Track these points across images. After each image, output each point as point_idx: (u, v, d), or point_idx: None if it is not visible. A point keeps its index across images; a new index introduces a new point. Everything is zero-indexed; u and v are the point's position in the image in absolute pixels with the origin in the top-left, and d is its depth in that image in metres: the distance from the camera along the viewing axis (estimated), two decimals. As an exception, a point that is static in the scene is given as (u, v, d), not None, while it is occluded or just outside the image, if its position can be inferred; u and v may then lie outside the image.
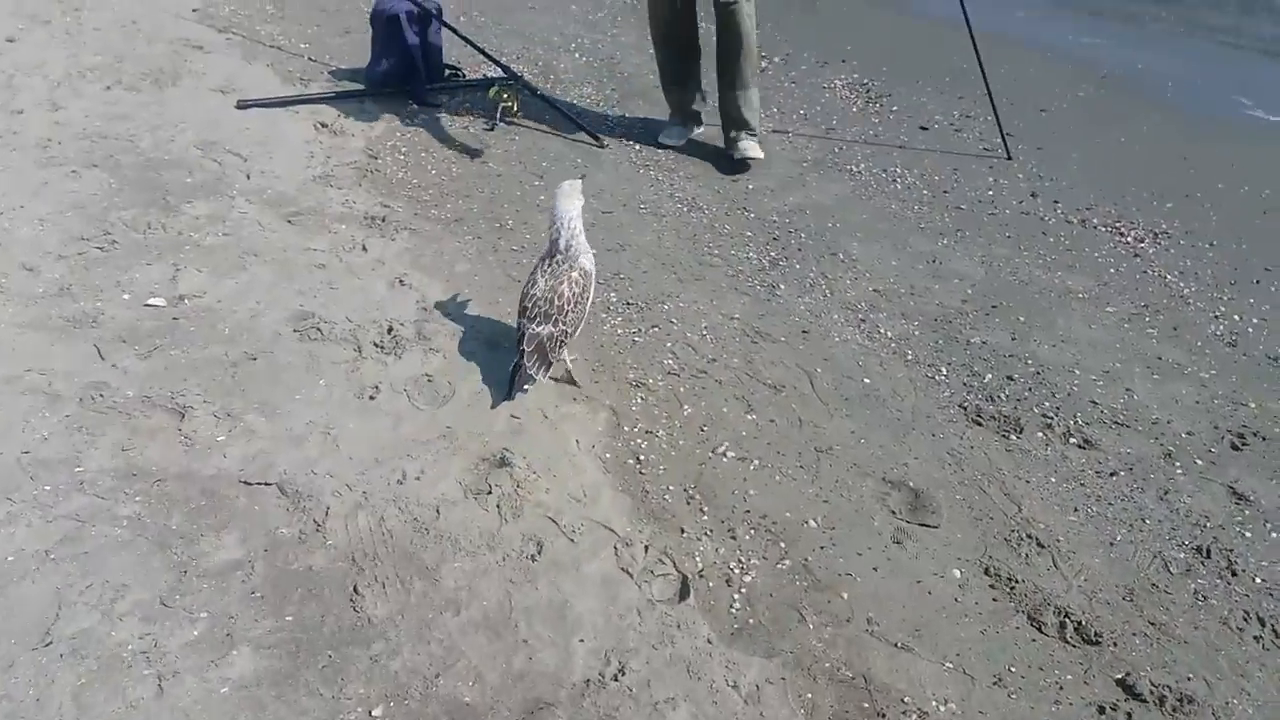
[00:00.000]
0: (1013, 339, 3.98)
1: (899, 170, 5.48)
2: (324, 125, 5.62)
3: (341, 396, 3.38)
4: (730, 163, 5.35)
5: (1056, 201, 5.17)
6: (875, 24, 7.91)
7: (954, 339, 3.97)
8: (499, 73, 5.93)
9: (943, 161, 5.60)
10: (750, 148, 5.29)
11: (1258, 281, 4.46)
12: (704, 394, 3.56)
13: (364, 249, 4.36)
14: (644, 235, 4.69)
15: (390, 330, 3.74)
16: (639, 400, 3.50)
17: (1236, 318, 4.18)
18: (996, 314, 4.15)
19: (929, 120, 6.12)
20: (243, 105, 5.78)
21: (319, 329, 3.71)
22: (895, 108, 6.28)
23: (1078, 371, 3.79)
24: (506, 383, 3.26)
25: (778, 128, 5.87)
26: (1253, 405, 3.63)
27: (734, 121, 5.30)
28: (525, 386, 3.22)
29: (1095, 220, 4.99)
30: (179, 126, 5.41)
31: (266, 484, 2.96)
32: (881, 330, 4.01)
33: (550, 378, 3.39)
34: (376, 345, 3.66)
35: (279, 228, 4.48)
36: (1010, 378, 3.74)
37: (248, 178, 4.95)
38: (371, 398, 3.37)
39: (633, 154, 5.53)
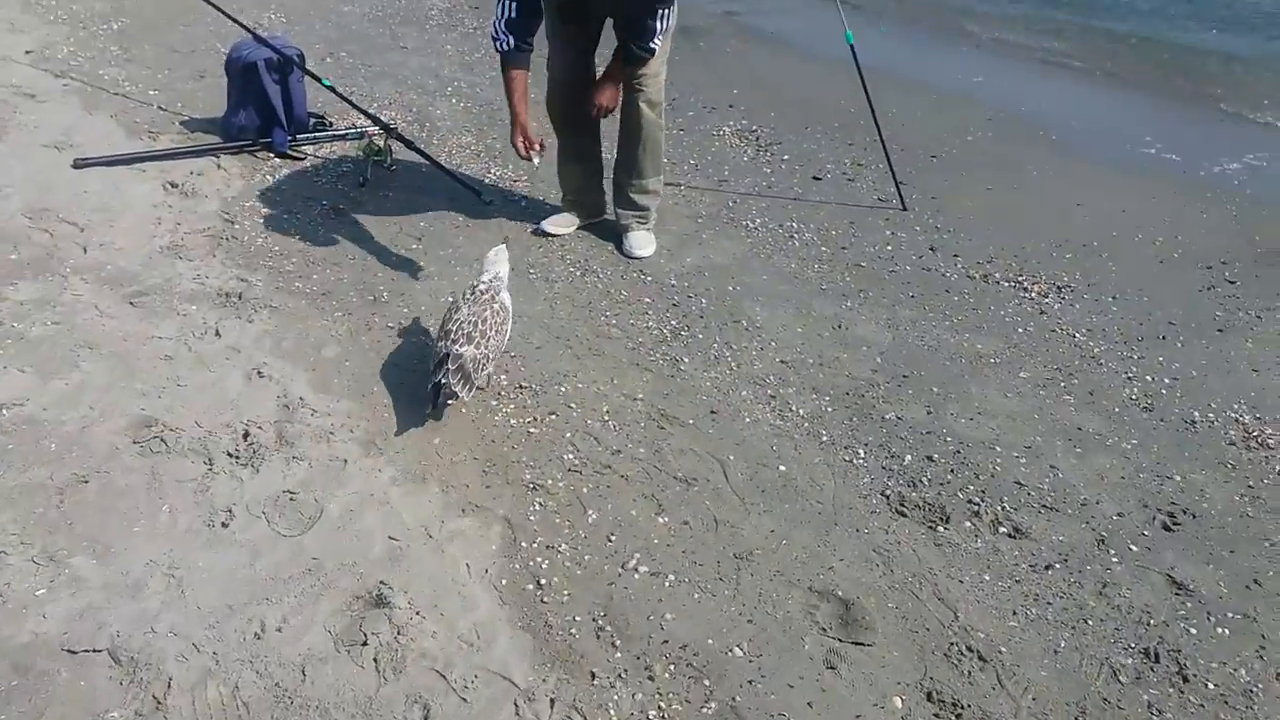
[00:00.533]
0: (928, 413, 3.77)
1: (795, 225, 5.27)
2: (174, 185, 5.10)
3: (189, 525, 2.90)
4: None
5: (956, 255, 5.04)
6: (761, 65, 7.78)
7: (868, 415, 3.74)
8: (369, 123, 5.49)
9: (839, 214, 5.42)
10: (639, 242, 4.88)
11: (1163, 337, 4.38)
12: (610, 494, 3.22)
13: (217, 334, 3.88)
14: (535, 304, 4.33)
15: (246, 435, 3.28)
16: (537, 507, 3.13)
17: (1149, 379, 4.07)
18: (909, 384, 3.94)
19: (821, 169, 5.96)
20: (80, 164, 5.22)
21: (163, 439, 3.22)
22: (786, 156, 6.10)
23: (999, 448, 3.59)
24: (430, 401, 3.29)
25: (670, 180, 5.59)
26: (1178, 478, 3.49)
27: (624, 202, 4.94)
28: (449, 401, 3.28)
29: (997, 274, 4.87)
30: (3, 191, 4.79)
31: (95, 650, 2.48)
32: (793, 408, 3.75)
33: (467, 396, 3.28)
34: (231, 455, 3.19)
35: (119, 312, 3.95)
36: (930, 458, 3.52)
37: (84, 251, 4.40)
38: (225, 524, 2.91)
39: (516, 212, 5.17)
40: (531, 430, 3.51)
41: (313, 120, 5.85)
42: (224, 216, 4.81)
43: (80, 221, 4.62)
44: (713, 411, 3.73)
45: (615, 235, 4.94)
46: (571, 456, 3.40)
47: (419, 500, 3.04)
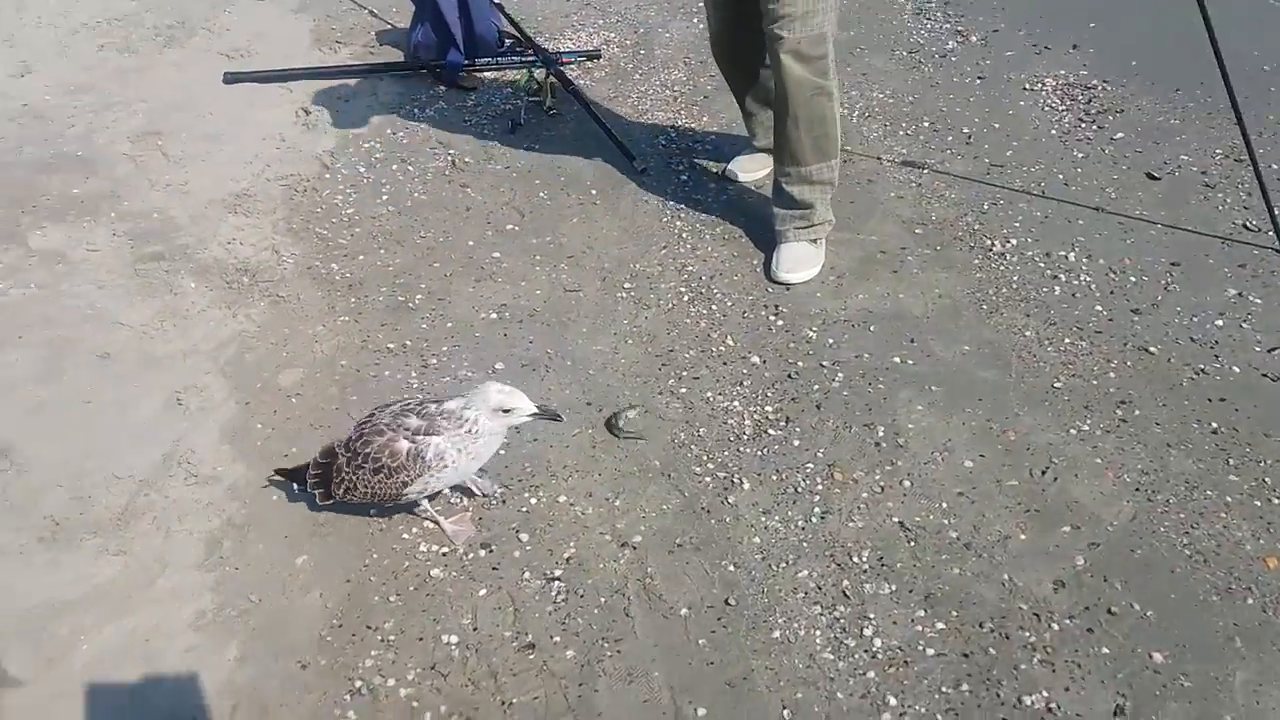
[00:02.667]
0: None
1: (1073, 257, 3.42)
2: (306, 112, 4.38)
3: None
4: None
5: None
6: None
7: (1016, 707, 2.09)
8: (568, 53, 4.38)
9: (1160, 245, 3.42)
10: (790, 260, 3.38)
11: None
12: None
13: (183, 329, 3.09)
14: (598, 340, 3.11)
15: (85, 500, 2.47)
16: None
17: None
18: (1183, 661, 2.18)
19: (1168, 161, 3.85)
20: (230, 79, 4.66)
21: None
22: (1120, 134, 4.04)
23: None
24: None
25: (919, 153, 3.89)
26: None
27: (780, 197, 3.41)
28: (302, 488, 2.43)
29: None
30: (133, 107, 4.37)
31: None
32: (873, 642, 2.24)
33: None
34: (50, 524, 2.40)
35: (114, 281, 3.32)
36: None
37: (150, 187, 3.81)
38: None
39: (670, 189, 3.82)
40: (436, 577, 2.35)
41: (509, 42, 4.81)
42: (325, 161, 4.01)
43: (176, 153, 4.06)
44: (727, 602, 2.31)
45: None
46: (454, 642, 2.22)
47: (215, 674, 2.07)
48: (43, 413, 2.78)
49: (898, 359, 3.04)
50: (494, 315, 3.20)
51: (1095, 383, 2.93)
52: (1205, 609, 2.27)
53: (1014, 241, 3.50)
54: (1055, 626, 2.25)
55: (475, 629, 2.24)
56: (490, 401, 2.17)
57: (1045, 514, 2.53)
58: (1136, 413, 2.81)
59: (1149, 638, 2.22)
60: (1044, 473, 2.65)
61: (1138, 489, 2.59)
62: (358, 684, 2.11)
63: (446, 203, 3.77)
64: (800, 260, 3.37)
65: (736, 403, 2.89)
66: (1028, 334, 3.12)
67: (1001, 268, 3.40)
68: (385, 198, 3.81)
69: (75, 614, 2.27)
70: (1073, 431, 2.76)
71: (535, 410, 2.20)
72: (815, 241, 3.41)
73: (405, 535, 2.47)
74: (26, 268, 3.36)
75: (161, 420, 2.78)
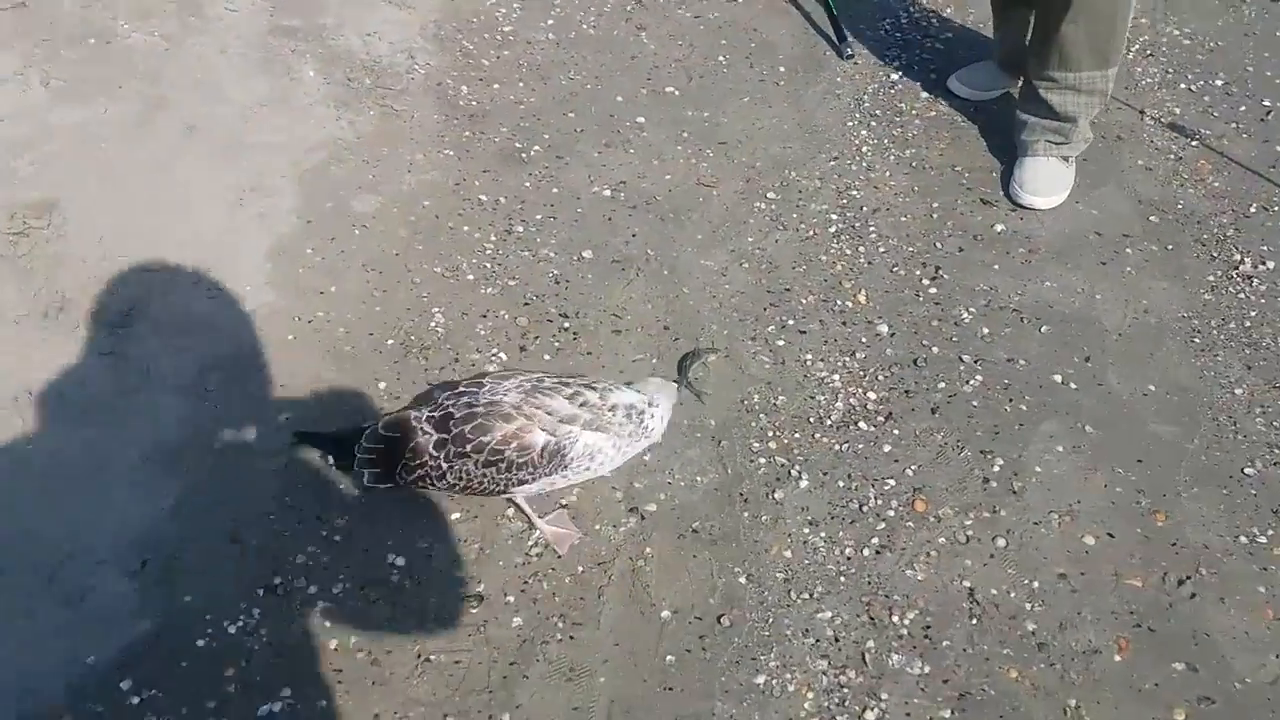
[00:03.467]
0: None
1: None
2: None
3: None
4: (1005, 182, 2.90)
5: None
6: None
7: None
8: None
9: None
10: (1037, 177, 2.81)
11: None
12: None
13: (283, 121, 2.86)
14: (710, 254, 2.62)
15: None
16: None
17: None
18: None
19: None
20: None
21: None
22: None
23: None
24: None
25: (1195, 117, 3.09)
26: None
27: (1030, 101, 2.80)
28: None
29: None
30: None
31: None
32: None
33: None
34: (54, 310, 2.28)
35: (237, 49, 3.10)
36: None
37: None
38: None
39: (871, 88, 3.22)
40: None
41: None
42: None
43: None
44: (720, 620, 1.94)
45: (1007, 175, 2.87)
46: (399, 566, 1.96)
47: None
48: (104, 176, 2.62)
49: (1059, 378, 2.43)
50: (607, 192, 2.78)
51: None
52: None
53: (1271, 265, 2.72)
54: None
55: (429, 557, 1.96)
56: (671, 399, 1.85)
57: (1160, 638, 1.96)
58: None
59: None
60: (1182, 583, 2.05)
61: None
62: (277, 580, 1.89)
63: (613, 44, 3.30)
64: (1050, 180, 2.79)
65: (837, 377, 2.40)
66: (1238, 392, 2.43)
67: (1241, 295, 2.65)
68: (550, 23, 3.37)
69: (38, 407, 2.14)
70: (1243, 540, 2.13)
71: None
72: (1068, 161, 2.80)
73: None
74: (161, 14, 3.17)
75: (215, 218, 2.57)
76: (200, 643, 1.80)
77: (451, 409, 1.73)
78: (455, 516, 2.03)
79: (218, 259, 2.44)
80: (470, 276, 2.50)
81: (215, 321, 2.32)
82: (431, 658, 1.82)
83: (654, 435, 1.82)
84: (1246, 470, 2.27)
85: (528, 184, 2.78)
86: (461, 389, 1.77)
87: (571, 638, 1.88)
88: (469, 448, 1.70)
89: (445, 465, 1.72)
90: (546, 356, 2.35)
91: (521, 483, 1.75)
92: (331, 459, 1.95)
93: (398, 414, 1.79)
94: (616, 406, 1.75)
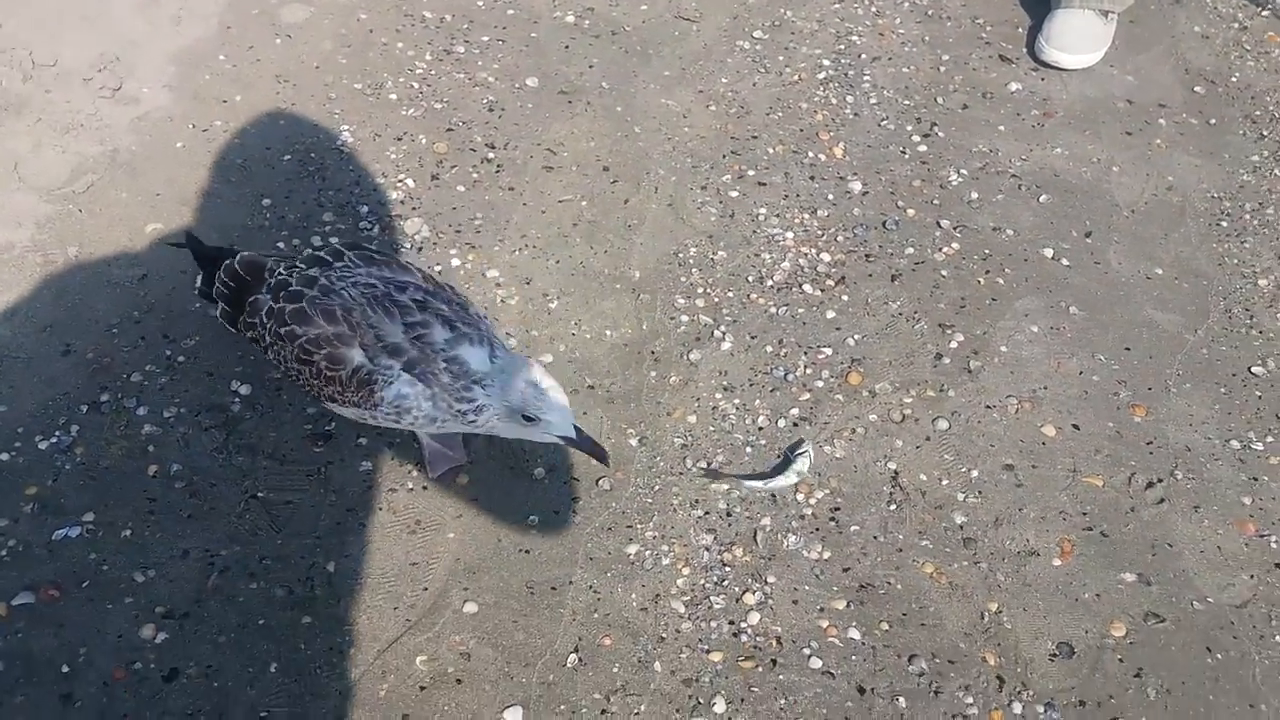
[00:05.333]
0: None
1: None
2: None
3: None
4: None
5: None
6: None
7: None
8: None
9: None
10: (1065, 39, 2.44)
11: None
12: None
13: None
14: (674, 92, 2.33)
15: None
16: None
17: None
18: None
19: None
20: None
21: None
22: None
23: None
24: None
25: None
26: None
27: None
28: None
29: None
30: None
31: None
32: None
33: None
34: None
35: None
36: None
37: None
38: None
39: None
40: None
41: None
42: None
43: None
44: (599, 482, 1.70)
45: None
46: (242, 395, 1.76)
47: None
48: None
49: (1050, 252, 2.11)
50: (571, 18, 2.48)
51: None
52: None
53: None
54: (1016, 710, 1.48)
55: (278, 390, 1.75)
56: (511, 398, 1.38)
57: (1112, 545, 1.67)
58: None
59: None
60: (1151, 486, 1.75)
61: (1279, 565, 1.66)
62: (104, 398, 1.70)
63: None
64: (1083, 35, 2.43)
65: (791, 235, 2.10)
66: (1262, 283, 2.08)
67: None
68: None
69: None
70: (1235, 445, 1.81)
71: (570, 436, 1.40)
72: (1108, 16, 2.43)
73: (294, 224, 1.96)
74: None
75: (125, 13, 2.34)
76: (4, 456, 1.63)
77: (290, 278, 1.45)
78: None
79: (118, 57, 2.23)
80: (393, 96, 2.25)
81: (101, 121, 2.11)
82: (260, 495, 1.62)
83: (481, 423, 1.43)
84: (1254, 369, 1.93)
85: (480, 3, 2.48)
86: (324, 253, 1.49)
87: (424, 489, 1.67)
88: (283, 331, 1.43)
89: (269, 339, 1.46)
90: (461, 188, 2.10)
91: (331, 400, 1.46)
92: (198, 281, 1.67)
93: (259, 255, 1.53)
94: (453, 362, 1.39)
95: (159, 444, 1.66)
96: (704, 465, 1.72)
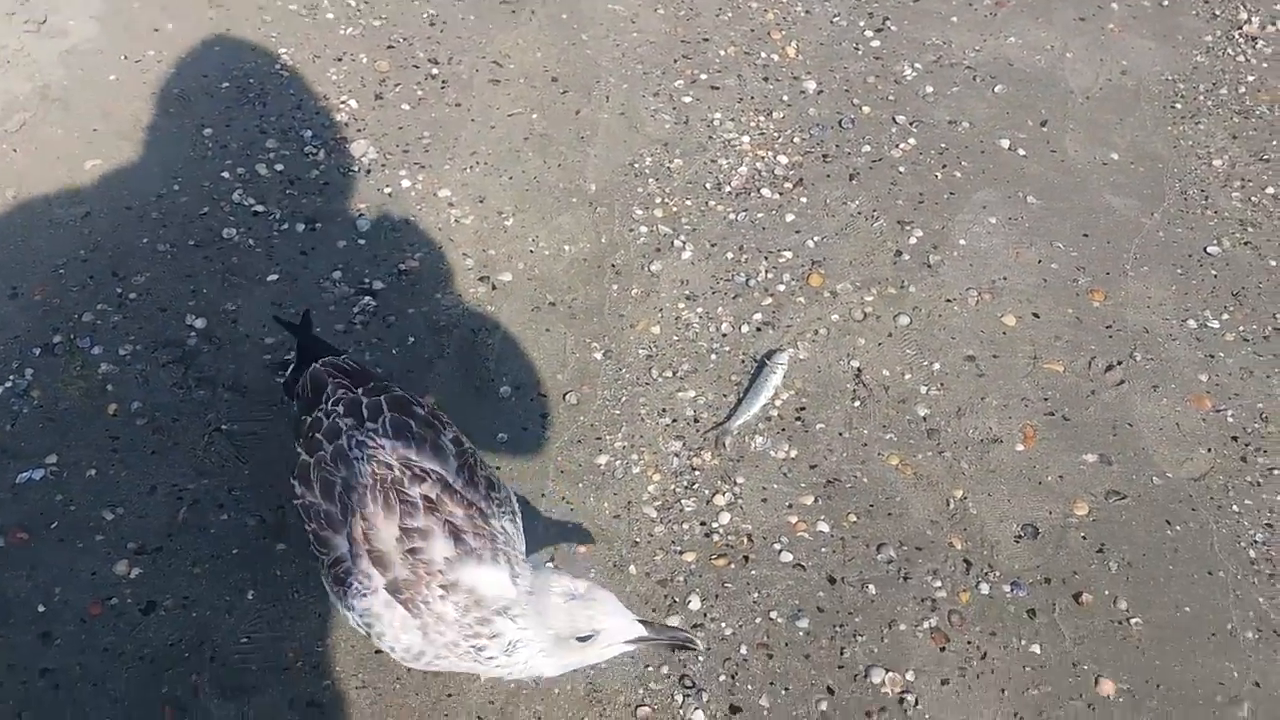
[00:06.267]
0: None
1: None
2: None
3: None
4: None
5: None
6: None
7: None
8: None
9: None
10: None
11: None
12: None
13: None
14: None
15: None
16: None
17: None
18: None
19: None
20: None
21: None
22: None
23: None
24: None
25: None
26: None
27: None
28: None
29: None
30: None
31: None
32: None
33: None
34: None
35: None
36: None
37: None
38: None
39: None
40: (228, 238, 1.83)
41: None
42: None
43: None
44: (565, 397, 1.70)
45: None
46: (198, 328, 1.73)
47: None
48: None
49: (1006, 143, 2.10)
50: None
51: (1273, 263, 1.93)
52: (1211, 665, 1.48)
53: (1281, 23, 2.30)
54: (984, 591, 1.52)
55: (234, 322, 1.72)
56: (554, 622, 1.14)
57: (1074, 427, 1.70)
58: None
59: (1107, 662, 1.46)
60: (1111, 369, 1.77)
61: (1235, 437, 1.70)
62: (56, 339, 1.67)
63: None
64: None
65: (747, 139, 2.08)
66: (1216, 164, 2.08)
67: (1241, 58, 2.27)
68: None
69: None
70: (1192, 323, 1.84)
71: (643, 635, 1.15)
72: None
73: (223, 173, 1.92)
74: None
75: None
76: (-41, 403, 1.60)
77: (323, 419, 1.28)
78: (273, 278, 1.79)
79: (45, -13, 2.14)
80: (330, 15, 2.19)
81: (28, 57, 2.04)
82: (224, 427, 1.61)
83: (514, 667, 1.18)
84: (1209, 249, 1.95)
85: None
86: (365, 406, 1.27)
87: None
88: (299, 470, 1.27)
89: (305, 496, 1.26)
90: (406, 107, 2.05)
91: (318, 559, 1.26)
92: (287, 371, 1.45)
93: (326, 368, 1.35)
94: (464, 589, 1.15)
95: (117, 382, 1.64)
96: (710, 429, 1.67)
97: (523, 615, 1.14)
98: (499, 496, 1.25)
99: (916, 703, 1.42)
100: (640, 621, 1.13)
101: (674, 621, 1.47)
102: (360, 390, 1.30)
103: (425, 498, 1.19)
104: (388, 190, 1.92)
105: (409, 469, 1.21)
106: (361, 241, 1.85)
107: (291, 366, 1.43)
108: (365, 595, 1.17)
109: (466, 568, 1.15)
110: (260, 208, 1.88)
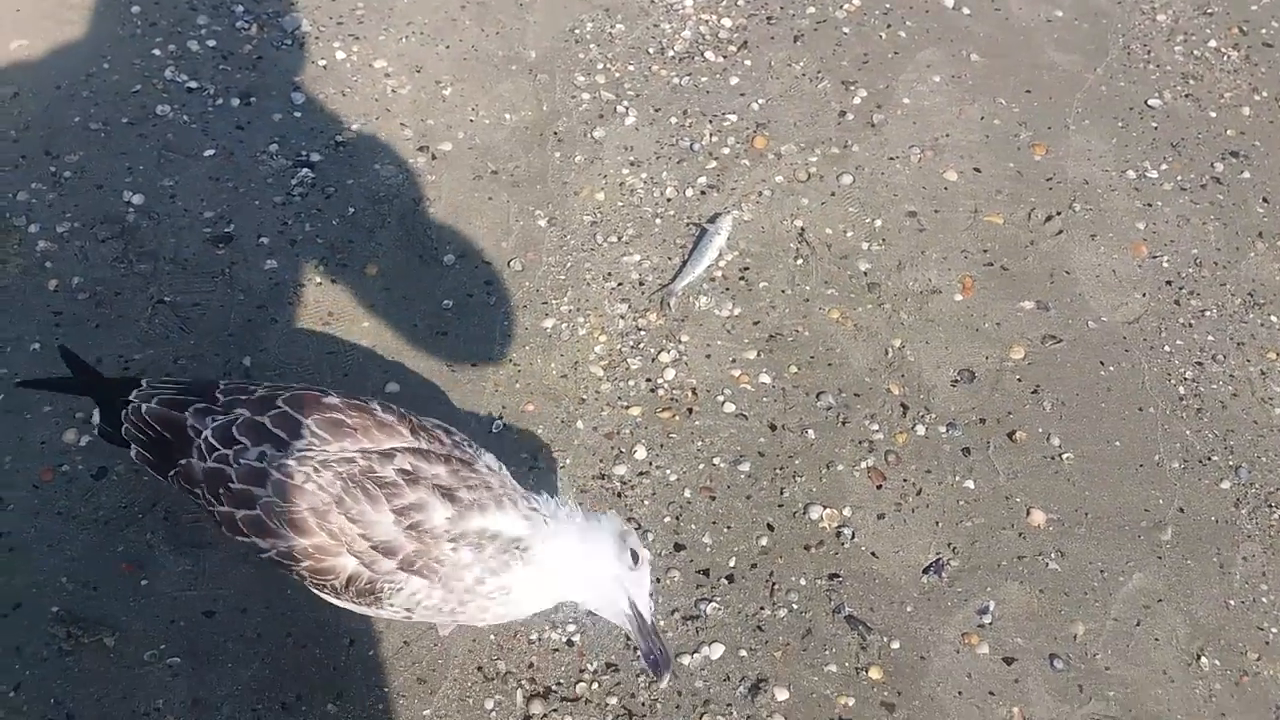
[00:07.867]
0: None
1: None
2: None
3: None
4: None
5: None
6: None
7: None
8: None
9: None
10: None
11: None
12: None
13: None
14: None
15: None
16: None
17: None
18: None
19: None
20: None
21: None
22: None
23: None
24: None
25: None
26: None
27: None
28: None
29: None
30: None
31: None
32: None
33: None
34: None
35: None
36: None
37: None
38: None
39: None
40: (161, 115, 1.80)
41: None
42: None
43: None
44: (511, 264, 1.71)
45: None
46: (136, 205, 1.71)
47: None
48: None
49: (950, 2, 2.08)
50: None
51: (1213, 115, 1.94)
52: (1145, 497, 1.54)
53: None
54: (920, 432, 1.56)
55: (172, 197, 1.71)
56: (613, 529, 1.17)
57: (1012, 276, 1.73)
58: (1245, 175, 1.86)
59: (1038, 494, 1.52)
60: (1050, 219, 1.80)
61: (1170, 281, 1.73)
62: (-12, 216, 1.66)
63: None
64: None
65: (690, 2, 2.05)
66: (1160, 18, 2.08)
67: None
68: None
69: None
70: (1131, 174, 1.86)
71: (645, 616, 1.17)
72: None
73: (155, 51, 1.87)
74: None
75: None
76: (-105, 279, 1.59)
77: (228, 465, 1.18)
78: (209, 153, 1.77)
79: None
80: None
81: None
82: (167, 299, 1.61)
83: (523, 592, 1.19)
84: (1150, 102, 1.96)
85: None
86: (269, 419, 1.18)
87: (334, 281, 1.67)
88: (239, 539, 1.19)
89: (219, 516, 1.20)
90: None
91: (319, 589, 1.23)
92: (95, 416, 1.30)
93: (169, 406, 1.23)
94: (473, 538, 1.15)
95: (56, 259, 1.63)
96: (655, 291, 1.68)
97: (543, 541, 1.15)
98: (460, 438, 1.23)
99: (854, 535, 1.47)
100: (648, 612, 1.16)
101: (621, 470, 1.51)
102: (240, 409, 1.20)
103: (401, 471, 1.16)
104: (322, 63, 1.89)
105: (371, 455, 1.17)
106: (297, 115, 1.83)
107: (97, 412, 1.27)
108: (400, 588, 1.16)
109: (471, 521, 1.15)
110: (194, 84, 1.85)
